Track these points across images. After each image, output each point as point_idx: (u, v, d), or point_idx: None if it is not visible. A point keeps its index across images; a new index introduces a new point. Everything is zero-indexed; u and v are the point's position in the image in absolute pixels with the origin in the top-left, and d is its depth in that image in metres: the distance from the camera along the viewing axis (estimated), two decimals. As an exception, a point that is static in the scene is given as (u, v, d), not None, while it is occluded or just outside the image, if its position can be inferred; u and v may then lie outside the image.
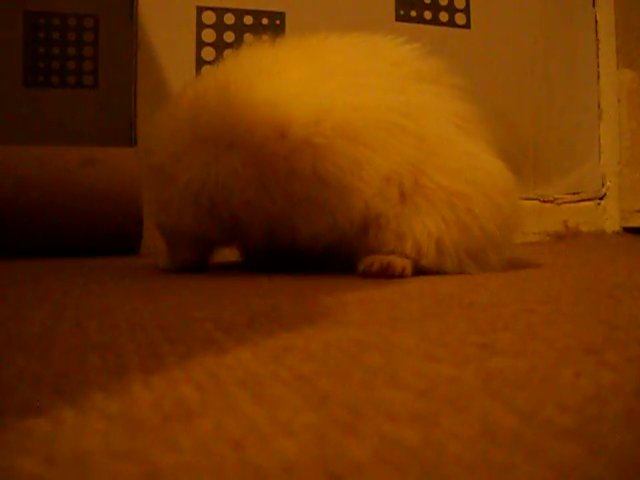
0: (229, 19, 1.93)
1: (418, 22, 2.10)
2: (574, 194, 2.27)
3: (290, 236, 0.97)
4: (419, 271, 0.92)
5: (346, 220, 0.93)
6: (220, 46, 1.91)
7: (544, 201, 2.21)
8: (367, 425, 0.27)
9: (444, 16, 2.13)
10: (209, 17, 1.92)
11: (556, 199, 2.24)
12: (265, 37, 1.05)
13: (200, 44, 1.90)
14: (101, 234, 1.52)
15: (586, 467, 0.23)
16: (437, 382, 0.33)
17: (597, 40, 2.32)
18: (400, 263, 0.91)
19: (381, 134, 0.92)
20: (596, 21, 2.32)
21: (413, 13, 2.10)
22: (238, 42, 1.90)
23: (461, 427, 0.26)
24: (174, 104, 1.07)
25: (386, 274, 0.90)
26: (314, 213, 0.94)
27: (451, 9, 2.14)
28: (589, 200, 2.29)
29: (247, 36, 1.93)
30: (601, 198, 2.31)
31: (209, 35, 1.92)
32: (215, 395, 0.31)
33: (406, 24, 2.08)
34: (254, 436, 0.26)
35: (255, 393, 0.31)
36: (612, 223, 2.30)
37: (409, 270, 0.92)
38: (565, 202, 2.26)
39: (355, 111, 0.93)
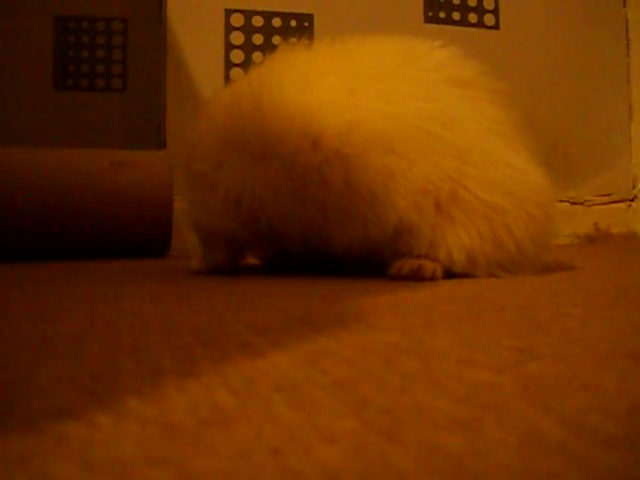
0: (257, 21, 1.93)
1: (447, 23, 2.09)
2: (605, 196, 2.25)
3: (324, 243, 0.96)
4: (449, 274, 0.91)
5: (378, 231, 0.92)
6: (248, 48, 1.91)
7: (574, 203, 2.19)
8: (408, 432, 0.26)
9: (473, 17, 2.12)
10: (237, 19, 1.92)
11: (587, 201, 2.22)
12: (298, 41, 1.04)
13: (228, 46, 1.91)
14: (130, 237, 1.52)
15: (635, 477, 0.22)
16: (476, 388, 0.32)
17: (628, 40, 2.30)
18: (431, 267, 0.90)
19: (417, 144, 0.90)
20: (627, 20, 2.30)
21: (442, 14, 2.09)
22: (266, 44, 1.90)
23: (505, 434, 0.26)
24: (212, 109, 1.07)
25: (416, 277, 0.89)
26: (346, 223, 0.93)
27: (480, 10, 2.13)
28: (620, 202, 2.27)
29: (276, 38, 1.93)
30: (632, 200, 2.29)
31: (237, 37, 1.92)
32: (251, 400, 0.31)
33: (435, 25, 2.08)
34: (293, 442, 0.25)
35: (292, 398, 0.31)
36: (643, 225, 2.28)
37: (439, 274, 0.91)
38: (596, 204, 2.24)
39: (389, 120, 0.90)
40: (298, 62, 1.00)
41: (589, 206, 2.23)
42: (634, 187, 2.29)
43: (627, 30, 2.30)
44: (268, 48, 1.91)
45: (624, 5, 2.29)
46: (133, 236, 1.53)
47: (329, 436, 0.26)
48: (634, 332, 0.48)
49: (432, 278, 0.89)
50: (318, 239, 0.96)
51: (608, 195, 2.26)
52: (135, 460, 0.24)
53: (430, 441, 0.25)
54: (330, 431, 0.26)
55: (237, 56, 1.91)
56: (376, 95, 0.93)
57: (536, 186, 0.95)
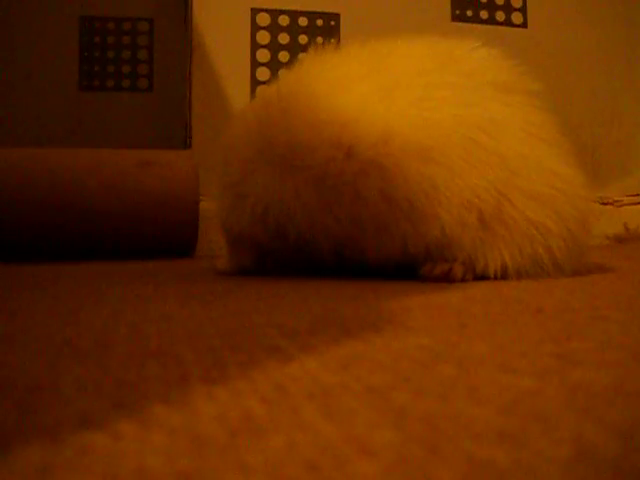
0: (284, 20, 1.92)
1: (474, 22, 2.07)
2: (635, 196, 2.22)
3: (358, 257, 0.93)
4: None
5: (419, 246, 0.89)
6: (275, 48, 1.90)
7: (604, 203, 2.16)
8: (451, 444, 0.25)
9: (500, 15, 2.10)
10: (263, 19, 1.91)
11: (616, 201, 2.19)
12: (326, 41, 1.02)
13: (255, 46, 1.90)
14: (157, 236, 1.52)
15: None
16: (519, 396, 0.31)
17: (658, 38, 2.27)
18: (462, 269, 0.88)
19: (459, 153, 0.86)
20: (657, 18, 2.27)
21: (469, 12, 2.07)
22: (293, 44, 1.89)
23: (554, 448, 0.24)
24: (243, 117, 1.06)
25: (447, 279, 0.87)
26: (383, 237, 0.90)
27: (508, 8, 2.11)
28: (650, 202, 2.24)
29: (302, 38, 1.91)
30: (662, 200, 2.25)
31: (264, 37, 1.91)
32: (283, 408, 0.29)
33: (462, 24, 2.06)
34: (329, 455, 0.24)
35: (326, 407, 0.30)
36: (674, 225, 2.25)
37: (470, 276, 0.89)
38: (625, 204, 2.21)
39: (428, 128, 0.87)
40: (327, 68, 0.97)
41: (619, 206, 2.20)
42: (664, 187, 2.26)
43: (657, 28, 2.27)
44: (294, 47, 1.90)
45: (654, 2, 2.26)
46: (159, 236, 1.52)
47: (367, 448, 0.24)
48: (678, 336, 0.46)
49: (463, 280, 0.88)
50: (351, 253, 0.94)
51: (637, 195, 2.23)
52: (162, 473, 0.23)
53: (474, 454, 0.24)
54: (367, 443, 0.25)
55: (263, 55, 1.90)
56: (412, 102, 0.89)
57: (578, 198, 0.92)
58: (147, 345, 0.45)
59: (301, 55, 1.04)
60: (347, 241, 0.93)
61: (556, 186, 0.89)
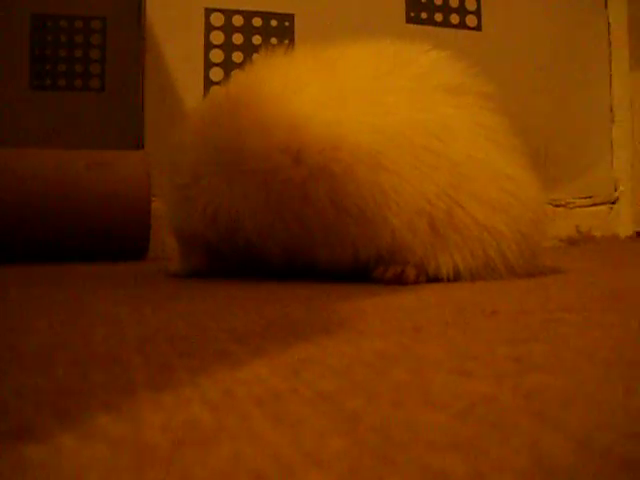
0: (238, 21, 1.91)
1: (428, 24, 2.08)
2: (586, 198, 2.24)
3: (308, 262, 0.93)
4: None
5: (370, 251, 0.88)
6: (228, 48, 1.89)
7: (556, 205, 2.18)
8: (405, 454, 0.24)
9: (455, 18, 2.11)
10: (217, 19, 1.90)
11: (568, 203, 2.22)
12: (279, 43, 1.01)
13: (208, 46, 1.88)
14: (108, 239, 1.49)
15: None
16: (474, 401, 0.30)
17: (609, 42, 2.29)
18: (414, 272, 0.88)
19: (409, 159, 0.85)
20: (608, 23, 2.29)
21: (424, 15, 2.08)
22: (247, 44, 1.88)
23: (511, 457, 0.23)
24: (192, 120, 1.04)
25: (400, 281, 0.87)
26: (333, 242, 0.89)
27: (462, 11, 2.12)
28: (602, 204, 2.27)
29: (256, 38, 1.90)
30: (614, 202, 2.28)
31: (217, 37, 1.90)
32: (231, 416, 0.28)
33: (417, 26, 2.06)
34: (278, 467, 0.23)
35: (275, 414, 0.28)
36: (625, 227, 2.27)
37: (423, 278, 0.88)
38: (577, 206, 2.23)
39: (377, 134, 0.86)
40: (278, 71, 0.96)
41: (571, 208, 2.22)
42: (615, 190, 2.28)
43: (609, 33, 2.29)
44: (248, 48, 1.89)
45: (605, 7, 2.29)
46: (110, 238, 1.50)
47: (317, 458, 0.23)
48: (634, 340, 0.46)
49: (415, 282, 0.87)
50: (301, 257, 0.93)
51: (590, 197, 2.25)
52: (102, 487, 0.21)
53: (429, 464, 0.23)
54: (318, 452, 0.24)
55: (217, 56, 1.88)
56: (362, 107, 0.88)
57: (531, 201, 0.92)
58: (93, 350, 0.43)
59: (254, 56, 1.02)
60: (297, 246, 0.92)
61: (508, 189, 0.89)
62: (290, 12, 1.94)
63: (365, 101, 0.89)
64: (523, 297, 0.73)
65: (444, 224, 0.86)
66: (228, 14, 1.91)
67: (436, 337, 0.47)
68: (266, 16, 1.93)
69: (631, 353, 0.41)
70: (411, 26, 2.05)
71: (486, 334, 0.48)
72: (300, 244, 0.91)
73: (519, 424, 0.27)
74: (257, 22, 1.92)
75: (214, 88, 1.85)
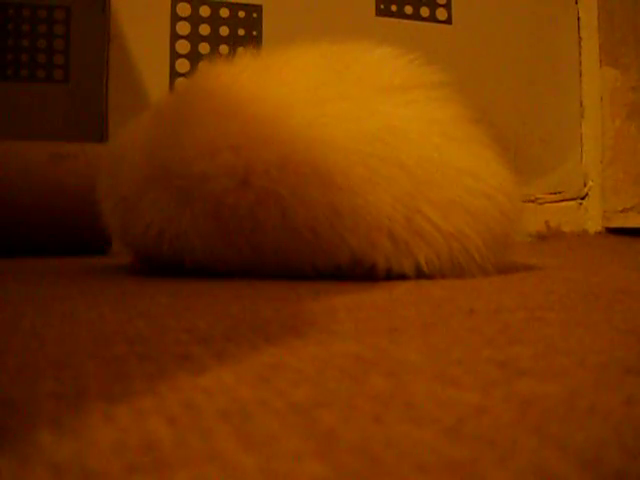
0: (205, 11, 1.88)
1: (398, 17, 2.06)
2: (556, 194, 2.24)
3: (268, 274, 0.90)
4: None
5: (330, 268, 0.85)
6: (195, 39, 1.85)
7: (525, 201, 2.17)
8: (390, 479, 0.21)
9: (425, 11, 2.09)
10: (184, 9, 1.87)
11: (537, 199, 2.21)
12: (221, 54, 0.98)
13: (174, 37, 1.85)
14: (70, 232, 1.46)
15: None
16: (463, 415, 0.27)
17: (579, 38, 2.29)
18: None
19: (359, 171, 0.81)
20: (579, 18, 2.29)
21: (394, 8, 2.05)
22: (213, 35, 1.85)
23: (512, 482, 0.20)
24: (137, 127, 0.99)
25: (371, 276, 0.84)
26: (289, 265, 0.86)
27: (432, 4, 2.10)
28: (571, 200, 2.26)
29: (223, 29, 1.87)
30: (583, 198, 2.28)
31: (184, 28, 1.86)
32: (192, 433, 0.25)
33: (386, 19, 2.04)
34: (245, 497, 0.20)
35: (242, 431, 0.25)
36: (594, 223, 2.27)
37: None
38: (547, 202, 2.22)
39: (324, 149, 0.81)
40: (221, 84, 0.91)
41: (540, 204, 2.21)
42: (585, 185, 2.28)
43: (579, 28, 2.29)
44: (215, 39, 1.85)
45: (576, 3, 2.28)
46: (72, 232, 1.46)
47: (290, 486, 0.20)
48: (622, 341, 0.43)
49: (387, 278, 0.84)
50: (258, 273, 0.90)
51: (559, 193, 2.24)
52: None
53: (419, 492, 0.20)
54: (290, 478, 0.21)
55: (183, 47, 1.85)
56: (305, 121, 0.84)
57: (495, 193, 0.87)
58: (44, 354, 0.40)
59: (199, 64, 0.99)
60: (251, 268, 0.88)
61: (467, 185, 0.85)
62: (258, 3, 1.91)
63: (309, 114, 0.84)
64: (499, 295, 0.70)
65: (405, 232, 0.82)
66: (195, 4, 1.87)
67: (413, 339, 0.44)
68: (234, 7, 1.89)
69: (624, 356, 0.38)
70: (381, 19, 2.03)
71: (466, 335, 0.45)
72: (254, 268, 0.88)
73: (517, 442, 0.24)
74: (224, 13, 1.89)
75: (180, 80, 1.82)
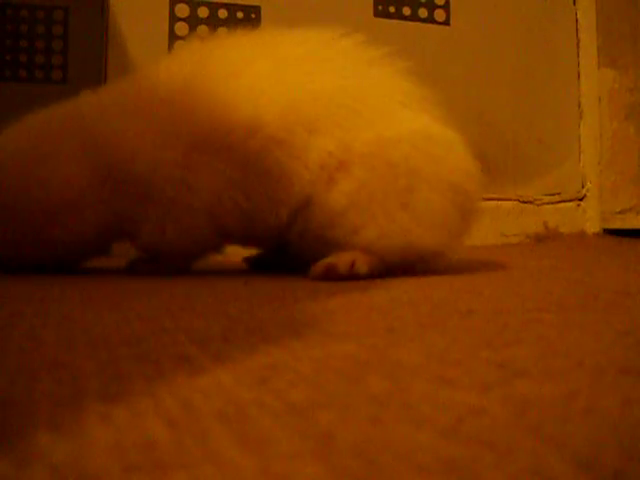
0: (203, 12, 1.87)
1: (397, 18, 2.05)
2: (554, 195, 2.23)
3: None
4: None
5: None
6: (194, 40, 1.85)
7: (524, 202, 2.17)
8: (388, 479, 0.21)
9: (423, 12, 2.08)
10: (182, 10, 1.86)
11: (536, 200, 2.20)
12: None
13: (173, 38, 1.84)
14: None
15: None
16: (461, 415, 0.27)
17: (578, 39, 2.29)
18: (346, 261, 0.85)
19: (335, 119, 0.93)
20: (577, 20, 2.28)
21: (392, 9, 2.05)
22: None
23: (510, 484, 0.20)
24: (144, 94, 1.03)
25: (331, 276, 0.84)
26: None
27: (430, 5, 2.09)
28: (569, 201, 2.26)
29: (221, 30, 1.87)
30: (581, 199, 2.27)
31: (182, 28, 1.86)
32: (189, 434, 0.25)
33: (385, 20, 2.04)
34: (242, 498, 0.20)
35: (240, 432, 0.25)
36: (592, 224, 2.26)
37: (362, 267, 0.86)
38: (545, 203, 2.22)
39: (315, 99, 0.95)
40: (224, 49, 1.01)
41: (538, 205, 2.21)
42: (583, 186, 2.27)
43: (577, 30, 2.28)
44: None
45: (574, 3, 2.28)
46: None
47: (287, 487, 0.20)
48: (621, 342, 0.43)
49: (352, 274, 0.84)
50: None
51: (557, 194, 2.24)
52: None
53: (417, 493, 0.20)
54: (289, 479, 0.21)
55: (181, 47, 1.85)
56: (297, 77, 0.96)
57: (451, 160, 0.94)
58: (43, 355, 0.40)
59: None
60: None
61: (426, 150, 0.93)
62: (256, 4, 1.91)
63: (299, 72, 0.97)
64: (497, 295, 0.70)
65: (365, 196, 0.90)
66: (193, 5, 1.87)
67: (411, 339, 0.44)
68: (232, 8, 1.89)
69: (621, 358, 0.38)
70: (379, 20, 2.03)
71: (464, 336, 0.45)
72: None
73: (515, 443, 0.24)
74: (223, 14, 1.88)
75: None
